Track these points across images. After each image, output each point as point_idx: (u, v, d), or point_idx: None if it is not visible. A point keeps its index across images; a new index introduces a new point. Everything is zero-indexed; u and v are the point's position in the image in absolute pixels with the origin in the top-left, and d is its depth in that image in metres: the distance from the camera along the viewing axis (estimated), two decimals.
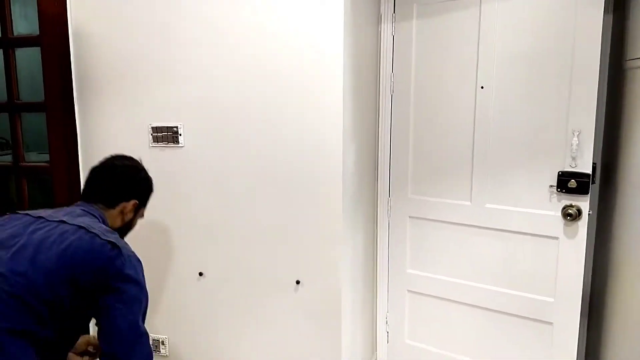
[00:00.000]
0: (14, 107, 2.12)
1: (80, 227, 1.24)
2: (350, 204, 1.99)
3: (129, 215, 1.48)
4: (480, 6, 2.14)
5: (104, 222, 1.39)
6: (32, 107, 2.12)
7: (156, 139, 1.89)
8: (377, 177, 2.51)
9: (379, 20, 2.39)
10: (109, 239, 1.24)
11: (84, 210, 1.38)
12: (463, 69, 2.22)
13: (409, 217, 2.48)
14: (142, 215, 1.54)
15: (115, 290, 1.22)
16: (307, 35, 1.74)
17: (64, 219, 1.27)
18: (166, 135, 1.88)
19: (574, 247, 2.07)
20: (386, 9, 2.39)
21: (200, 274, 1.98)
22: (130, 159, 1.52)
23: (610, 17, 2.13)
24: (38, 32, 1.99)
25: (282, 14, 1.75)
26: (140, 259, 1.31)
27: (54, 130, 2.05)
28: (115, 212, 1.44)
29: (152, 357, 1.28)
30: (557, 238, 2.10)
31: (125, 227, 1.50)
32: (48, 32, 1.99)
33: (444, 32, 2.25)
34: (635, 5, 1.90)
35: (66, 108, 2.01)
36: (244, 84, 1.82)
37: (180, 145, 1.90)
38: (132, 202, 1.46)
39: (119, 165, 1.46)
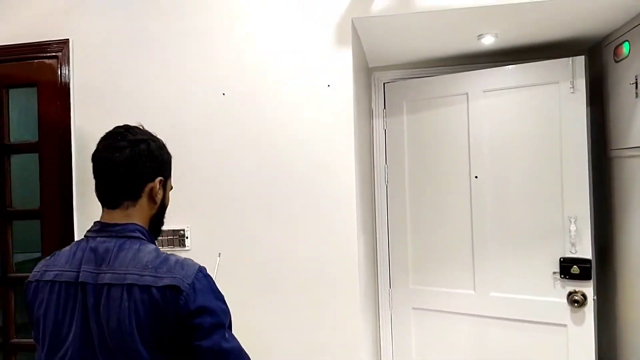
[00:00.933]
0: (7, 215, 2.04)
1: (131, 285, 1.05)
2: (364, 301, 1.94)
3: (160, 195, 1.23)
4: (467, 102, 2.27)
5: (141, 231, 1.17)
6: (25, 215, 2.05)
7: (161, 243, 1.84)
8: (377, 269, 2.49)
9: (370, 115, 2.49)
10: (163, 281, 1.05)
11: (119, 238, 1.13)
12: (456, 160, 2.30)
13: (412, 308, 2.43)
14: (172, 187, 1.31)
15: (194, 329, 1.05)
16: (324, 130, 1.79)
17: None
18: (172, 239, 1.84)
19: (583, 334, 2.05)
20: (377, 105, 2.50)
21: None
22: (133, 130, 1.22)
23: (589, 109, 2.28)
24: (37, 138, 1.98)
25: (297, 109, 1.81)
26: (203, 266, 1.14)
27: (48, 240, 1.97)
28: (144, 200, 1.20)
29: None
30: (565, 325, 2.09)
31: (161, 210, 1.26)
32: (48, 139, 1.98)
33: (435, 125, 2.35)
34: (613, 98, 2.06)
35: (63, 216, 1.95)
36: (258, 181, 1.83)
37: (187, 248, 1.85)
38: (158, 179, 1.21)
39: (127, 149, 1.17)
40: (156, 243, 1.31)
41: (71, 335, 1.07)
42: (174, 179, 1.32)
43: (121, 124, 1.22)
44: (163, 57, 1.90)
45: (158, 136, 1.24)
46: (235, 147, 1.86)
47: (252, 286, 1.84)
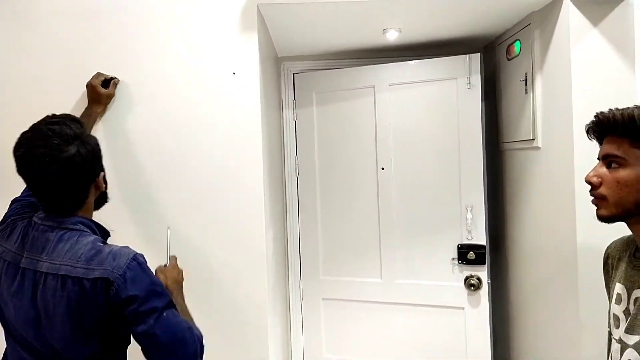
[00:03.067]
0: None
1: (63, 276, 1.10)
2: (272, 295, 1.92)
3: (103, 186, 1.25)
4: (374, 95, 2.31)
5: (83, 222, 1.19)
6: None
7: None
8: (288, 261, 2.48)
9: (280, 106, 2.46)
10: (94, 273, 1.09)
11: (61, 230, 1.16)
12: (364, 152, 2.35)
13: (322, 299, 2.45)
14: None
15: (128, 316, 1.10)
16: (229, 121, 1.73)
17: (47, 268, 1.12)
18: None
19: (479, 315, 2.19)
20: (287, 96, 2.48)
21: None
22: (59, 132, 1.11)
23: (484, 104, 2.42)
24: None
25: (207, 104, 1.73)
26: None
27: None
28: (89, 198, 1.22)
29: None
30: (463, 308, 2.21)
31: (103, 192, 1.28)
32: None
33: (344, 117, 2.38)
34: (505, 94, 2.20)
35: None
36: (160, 173, 1.73)
37: None
38: (101, 175, 1.22)
39: (59, 168, 1.10)
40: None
41: (15, 312, 1.15)
42: None
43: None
44: (33, 37, 1.74)
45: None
46: (138, 129, 1.75)
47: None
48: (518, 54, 2.08)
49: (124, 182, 1.76)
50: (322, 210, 2.45)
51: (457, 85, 2.19)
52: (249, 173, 1.75)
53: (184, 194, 1.75)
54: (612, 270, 1.16)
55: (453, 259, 2.21)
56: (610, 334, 1.09)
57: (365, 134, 2.34)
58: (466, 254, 2.17)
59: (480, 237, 2.17)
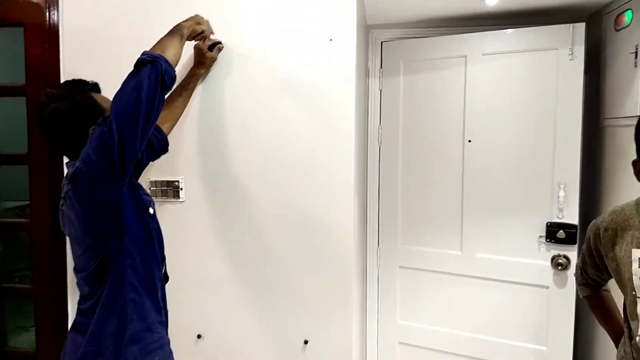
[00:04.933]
0: None
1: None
2: (357, 257, 1.97)
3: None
4: (465, 65, 2.25)
5: None
6: (12, 160, 1.99)
7: (155, 194, 1.81)
8: (367, 228, 2.52)
9: (367, 75, 2.46)
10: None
11: None
12: (450, 123, 2.31)
13: (399, 267, 2.48)
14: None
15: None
16: (318, 90, 1.76)
17: None
18: (166, 190, 1.81)
19: (565, 296, 2.13)
20: (374, 64, 2.46)
21: (199, 336, 1.87)
22: (47, 93, 1.34)
23: (585, 78, 2.29)
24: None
25: (297, 68, 1.77)
26: None
27: (36, 186, 1.93)
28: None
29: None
30: (547, 287, 2.16)
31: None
32: (35, 81, 1.90)
33: (431, 87, 2.34)
34: (611, 67, 2.07)
35: (53, 161, 1.90)
36: (250, 136, 1.80)
37: (181, 199, 1.83)
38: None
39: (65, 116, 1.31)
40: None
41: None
42: None
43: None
44: (158, 5, 1.82)
45: None
46: (231, 96, 1.82)
47: (250, 236, 1.85)
48: (628, 25, 1.94)
49: (214, 142, 1.84)
50: (403, 179, 2.45)
51: (558, 56, 2.08)
52: (340, 140, 1.78)
53: (281, 158, 1.81)
54: (615, 239, 1.29)
55: (540, 236, 2.15)
56: (635, 297, 1.23)
57: (453, 105, 2.30)
58: (555, 233, 2.10)
59: (572, 216, 2.09)
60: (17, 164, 1.97)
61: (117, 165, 1.19)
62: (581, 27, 2.05)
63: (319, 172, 1.79)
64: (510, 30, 2.18)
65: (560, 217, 2.11)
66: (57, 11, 1.89)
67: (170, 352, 1.39)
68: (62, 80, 1.85)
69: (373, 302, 2.54)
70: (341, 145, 1.78)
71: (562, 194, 2.09)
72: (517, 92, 2.17)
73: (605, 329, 1.56)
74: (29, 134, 1.93)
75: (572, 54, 2.05)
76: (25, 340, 2.33)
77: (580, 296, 1.61)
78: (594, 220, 1.41)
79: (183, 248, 1.86)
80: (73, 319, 1.40)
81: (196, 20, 1.55)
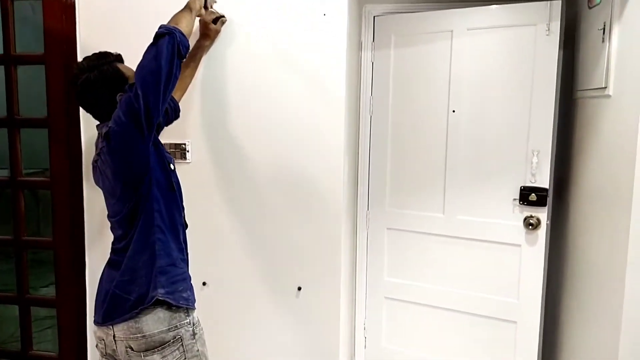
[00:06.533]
0: (14, 122, 2.17)
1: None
2: (346, 216, 2.18)
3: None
4: (451, 39, 2.41)
5: None
6: (33, 123, 2.18)
7: None
8: (357, 191, 2.72)
9: (359, 47, 2.62)
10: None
11: None
12: (437, 94, 2.48)
13: (387, 228, 2.69)
14: None
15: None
16: (312, 61, 1.94)
17: None
18: (173, 152, 2.01)
19: (535, 253, 2.34)
20: (366, 37, 2.62)
21: (204, 283, 2.10)
22: (79, 65, 1.55)
23: (562, 52, 2.45)
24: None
25: (292, 40, 1.95)
26: None
27: (56, 147, 2.12)
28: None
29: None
30: (519, 245, 2.37)
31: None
32: (54, 51, 2.07)
33: (420, 60, 2.50)
34: (583, 43, 2.23)
35: (70, 125, 2.09)
36: (250, 104, 1.99)
37: (187, 161, 2.03)
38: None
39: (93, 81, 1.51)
40: None
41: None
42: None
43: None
44: None
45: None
46: (232, 66, 1.99)
47: (250, 194, 2.05)
48: (599, 3, 2.09)
49: (217, 108, 2.03)
50: (392, 147, 2.63)
51: (536, 31, 2.24)
52: (331, 107, 1.96)
53: (277, 122, 2.00)
54: None
55: (514, 199, 2.34)
56: None
57: (439, 76, 2.46)
58: (528, 196, 2.30)
59: (543, 181, 2.28)
60: (38, 127, 2.16)
61: (144, 124, 1.39)
62: (557, 4, 2.20)
63: (312, 137, 1.99)
64: (493, 7, 2.33)
65: (533, 181, 2.30)
66: None
67: (191, 285, 1.61)
68: (78, 50, 2.03)
69: (362, 261, 2.76)
70: (332, 112, 1.97)
71: (535, 160, 2.28)
72: (499, 65, 2.34)
73: None
74: (48, 100, 2.11)
75: (548, 29, 2.21)
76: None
77: None
78: None
79: (189, 205, 2.05)
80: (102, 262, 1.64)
81: None
